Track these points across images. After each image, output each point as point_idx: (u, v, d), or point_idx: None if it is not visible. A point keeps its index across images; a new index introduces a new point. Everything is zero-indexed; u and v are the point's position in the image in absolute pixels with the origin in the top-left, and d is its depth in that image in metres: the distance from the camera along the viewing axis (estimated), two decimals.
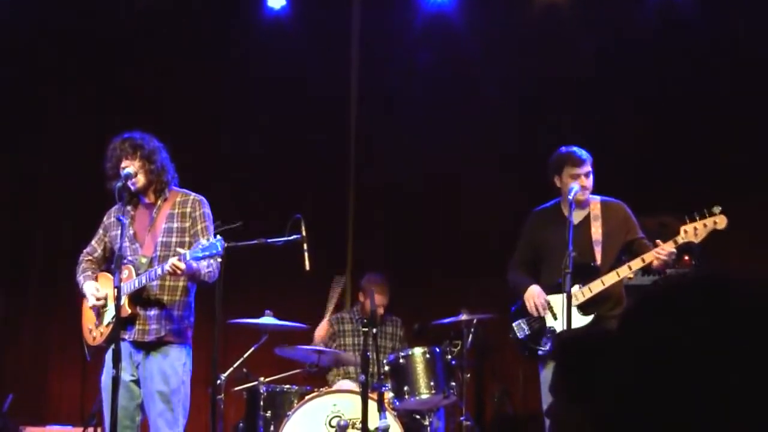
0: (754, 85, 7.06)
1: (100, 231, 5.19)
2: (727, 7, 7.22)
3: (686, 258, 6.38)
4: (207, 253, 4.63)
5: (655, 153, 7.29)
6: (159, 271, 4.76)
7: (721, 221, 4.94)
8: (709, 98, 7.16)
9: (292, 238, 5.37)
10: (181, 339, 4.96)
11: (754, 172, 6.99)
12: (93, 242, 5.20)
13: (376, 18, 7.88)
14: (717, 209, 4.95)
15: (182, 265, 4.66)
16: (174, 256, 4.76)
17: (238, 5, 7.98)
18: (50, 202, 7.84)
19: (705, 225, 4.95)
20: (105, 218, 5.19)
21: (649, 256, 5.04)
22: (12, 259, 7.64)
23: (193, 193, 5.09)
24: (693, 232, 4.95)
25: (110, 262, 5.01)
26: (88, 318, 5.10)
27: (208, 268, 4.85)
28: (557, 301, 5.15)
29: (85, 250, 5.20)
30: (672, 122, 7.28)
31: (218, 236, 4.69)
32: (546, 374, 5.13)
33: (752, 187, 6.96)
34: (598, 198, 5.36)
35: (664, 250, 5.00)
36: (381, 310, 6.72)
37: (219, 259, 4.78)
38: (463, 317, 6.09)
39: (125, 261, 4.87)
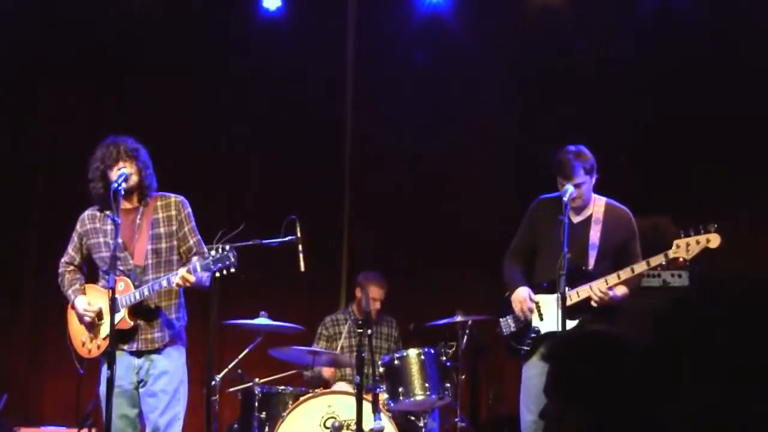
0: (754, 85, 7.06)
1: (75, 239, 5.10)
2: (725, 6, 7.23)
3: (681, 259, 6.36)
4: (220, 265, 4.64)
5: (652, 153, 7.30)
6: (164, 283, 4.77)
7: (714, 240, 4.88)
8: (708, 98, 7.16)
9: (287, 239, 5.37)
10: (178, 341, 4.99)
11: (751, 172, 7.00)
12: (70, 251, 5.12)
13: (371, 18, 7.88)
14: (712, 227, 4.89)
15: (192, 278, 4.68)
16: (168, 261, 4.80)
17: (233, 6, 7.98)
18: (45, 203, 7.83)
19: (698, 242, 4.89)
20: (78, 226, 5.09)
21: (640, 267, 5.00)
22: (7, 260, 7.62)
23: (173, 195, 5.06)
24: (685, 247, 4.91)
25: (91, 270, 5.03)
26: (80, 331, 5.05)
27: (204, 272, 4.84)
28: (545, 301, 5.11)
29: (63, 260, 5.13)
30: (669, 122, 7.28)
31: (228, 246, 4.67)
32: (527, 373, 5.09)
33: (750, 187, 6.97)
34: (603, 200, 5.24)
35: (650, 264, 4.98)
36: (378, 305, 6.70)
37: (233, 270, 4.73)
38: (458, 318, 6.10)
39: (118, 270, 4.83)
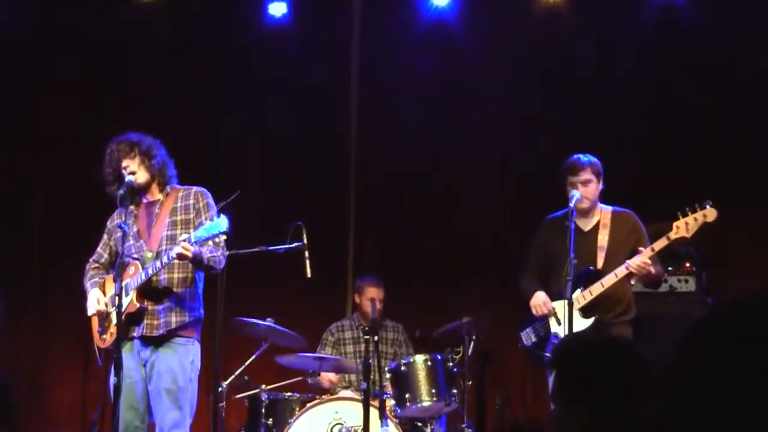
0: (754, 89, 7.07)
1: (105, 236, 5.18)
2: (726, 12, 7.23)
3: (687, 265, 6.41)
4: (214, 232, 4.57)
5: (655, 154, 7.31)
6: (165, 260, 4.73)
7: (710, 214, 4.98)
8: (709, 102, 7.17)
9: (293, 245, 5.37)
10: (189, 333, 4.92)
11: (753, 174, 7.00)
12: (98, 248, 5.19)
13: (376, 24, 7.88)
14: (708, 203, 5.00)
15: (190, 247, 4.61)
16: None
17: (239, 13, 7.98)
18: (47, 207, 7.82)
19: (695, 219, 4.99)
20: (108, 223, 5.18)
21: (646, 254, 5.08)
22: (10, 265, 7.60)
23: (195, 186, 5.08)
24: (684, 227, 5.01)
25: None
26: (96, 322, 5.07)
27: (211, 253, 4.80)
28: (561, 308, 5.23)
29: (91, 258, 5.19)
30: (672, 123, 7.29)
31: (220, 215, 4.64)
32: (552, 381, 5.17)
33: (752, 190, 6.97)
34: (610, 208, 5.42)
35: (654, 249, 5.08)
36: (378, 304, 6.67)
37: (224, 238, 4.70)
38: (465, 324, 6.09)
39: (132, 258, 4.87)
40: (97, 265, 5.15)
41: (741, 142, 7.09)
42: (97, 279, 5.09)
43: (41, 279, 7.72)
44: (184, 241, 4.62)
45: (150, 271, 4.79)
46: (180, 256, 4.65)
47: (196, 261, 4.76)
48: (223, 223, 4.57)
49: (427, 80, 7.77)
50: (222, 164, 7.77)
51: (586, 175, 5.27)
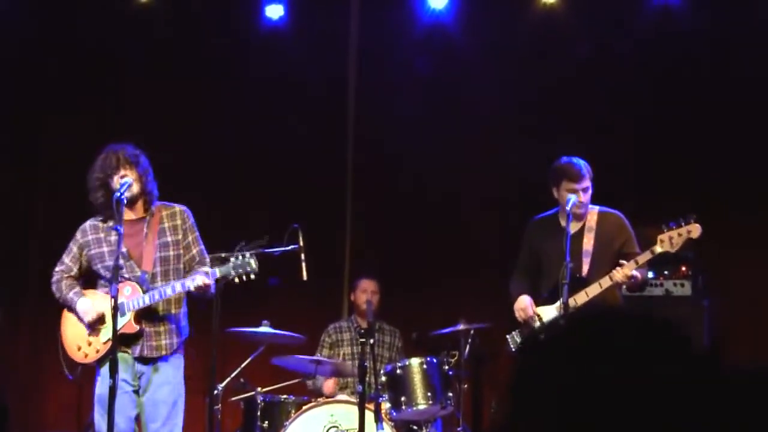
0: (753, 89, 7.06)
1: (75, 249, 5.02)
2: (724, 14, 7.23)
3: (683, 269, 6.40)
4: (241, 270, 4.67)
5: (652, 160, 7.31)
6: (178, 288, 4.75)
7: (694, 230, 4.95)
8: (707, 105, 7.17)
9: (289, 247, 5.38)
10: (182, 350, 5.00)
11: (752, 175, 7.00)
12: (67, 261, 5.04)
13: (374, 25, 7.88)
14: (692, 218, 4.96)
15: (210, 282, 4.69)
16: (176, 269, 4.80)
17: (236, 16, 7.98)
18: (47, 210, 7.82)
19: (680, 234, 4.96)
20: (79, 235, 5.03)
21: (629, 267, 5.02)
22: (8, 267, 7.60)
23: (176, 205, 5.06)
24: (669, 241, 4.97)
25: (87, 281, 5.02)
26: (76, 335, 5.00)
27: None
28: (547, 312, 5.23)
29: (59, 268, 5.05)
30: (672, 126, 7.29)
31: (249, 254, 4.72)
32: None
33: (751, 191, 6.97)
34: (596, 208, 5.35)
35: (638, 262, 5.03)
36: (370, 295, 6.66)
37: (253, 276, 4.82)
38: (461, 327, 6.09)
39: (122, 278, 4.80)
40: (69, 275, 5.03)
41: (741, 142, 7.09)
42: (78, 289, 5.01)
43: (40, 281, 7.68)
44: (207, 276, 4.69)
45: (156, 296, 4.78)
46: (198, 289, 4.72)
47: (206, 294, 4.84)
48: (253, 263, 4.66)
49: (425, 81, 7.77)
50: (218, 165, 7.77)
51: (586, 182, 5.22)
